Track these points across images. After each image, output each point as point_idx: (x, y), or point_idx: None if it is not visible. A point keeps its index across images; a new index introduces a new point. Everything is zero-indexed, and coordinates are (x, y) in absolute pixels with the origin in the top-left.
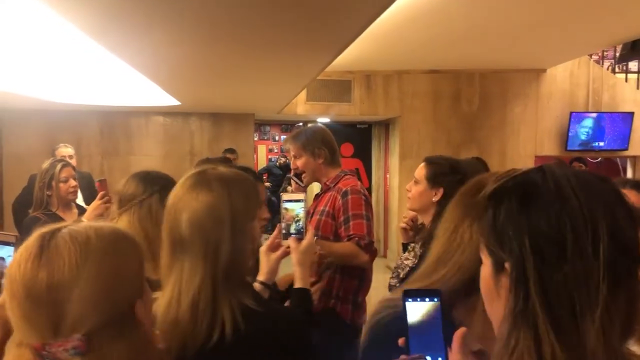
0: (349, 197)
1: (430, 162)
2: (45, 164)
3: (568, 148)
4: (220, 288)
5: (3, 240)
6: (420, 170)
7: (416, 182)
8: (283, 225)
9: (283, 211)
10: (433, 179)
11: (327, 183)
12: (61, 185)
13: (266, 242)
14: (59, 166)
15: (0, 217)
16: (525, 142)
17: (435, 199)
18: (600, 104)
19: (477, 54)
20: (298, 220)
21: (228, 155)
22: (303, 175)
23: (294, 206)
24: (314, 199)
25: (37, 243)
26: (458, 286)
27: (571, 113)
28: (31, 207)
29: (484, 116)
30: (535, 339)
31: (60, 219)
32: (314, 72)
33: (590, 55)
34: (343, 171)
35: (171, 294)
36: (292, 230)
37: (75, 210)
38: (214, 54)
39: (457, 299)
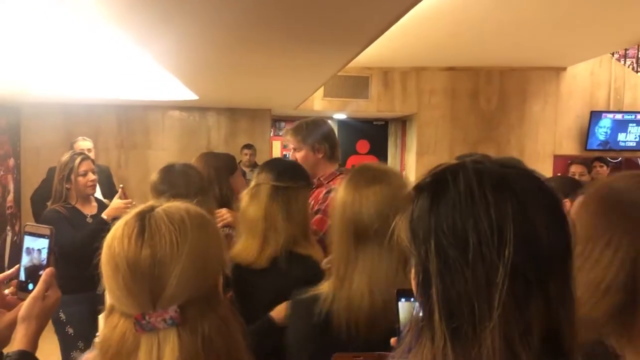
0: (331, 194)
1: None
2: (65, 157)
3: (588, 147)
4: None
5: (39, 233)
6: None
7: None
8: None
9: None
10: None
11: (321, 179)
12: (80, 178)
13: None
14: (78, 159)
15: (18, 210)
16: (544, 141)
17: None
18: (621, 104)
19: (496, 52)
20: None
21: (246, 151)
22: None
23: None
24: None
25: (137, 222)
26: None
27: (591, 112)
28: (50, 200)
29: (503, 114)
30: (433, 351)
31: (80, 213)
32: (336, 67)
33: (612, 54)
34: (339, 169)
35: (359, 284)
36: None
37: (95, 204)
38: (237, 49)
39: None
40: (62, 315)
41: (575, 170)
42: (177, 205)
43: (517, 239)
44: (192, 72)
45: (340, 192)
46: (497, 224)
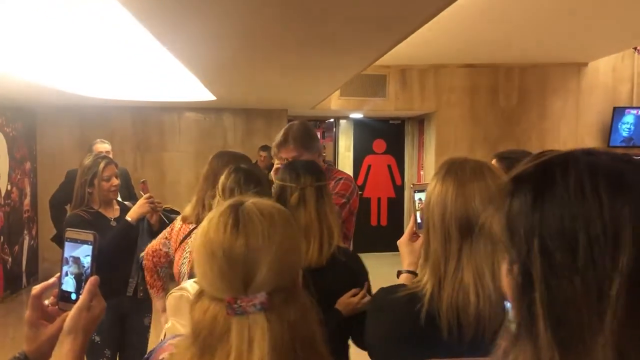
0: (342, 181)
1: (502, 157)
2: (88, 161)
3: (610, 144)
4: None
5: (81, 239)
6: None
7: None
8: (418, 215)
9: (417, 202)
10: None
11: None
12: (104, 183)
13: (405, 234)
14: (102, 164)
15: (35, 214)
16: (566, 138)
17: None
18: None
19: (516, 48)
20: None
21: (262, 153)
22: None
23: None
24: None
25: (232, 212)
26: None
27: (614, 108)
28: (69, 204)
29: (523, 111)
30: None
31: (104, 217)
32: (359, 68)
33: (635, 48)
34: (328, 162)
35: (463, 283)
36: None
37: (117, 207)
38: (260, 48)
39: None
40: None
41: None
42: (264, 201)
43: (636, 245)
44: (213, 72)
45: (437, 188)
46: (612, 226)
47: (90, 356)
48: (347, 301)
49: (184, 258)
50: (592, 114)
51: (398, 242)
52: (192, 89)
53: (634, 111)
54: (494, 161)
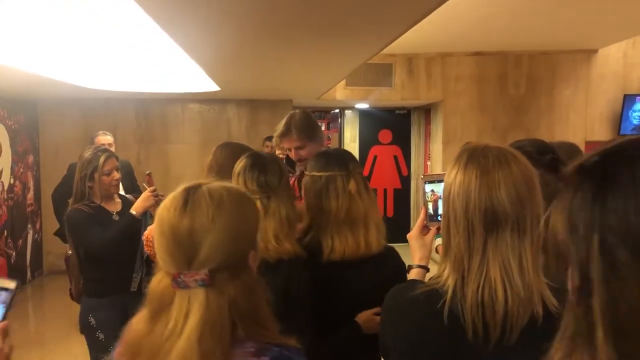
0: None
1: (514, 147)
2: (87, 154)
3: (621, 132)
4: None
5: (2, 286)
6: None
7: None
8: (430, 207)
9: (429, 193)
10: None
11: None
12: (104, 177)
13: (415, 227)
14: (102, 157)
15: (39, 207)
16: (575, 127)
17: None
18: None
19: (524, 35)
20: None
21: (267, 143)
22: (300, 163)
23: (438, 187)
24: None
25: (183, 195)
26: None
27: (625, 96)
28: (71, 198)
29: (532, 100)
30: None
31: (106, 211)
32: (366, 55)
33: None
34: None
35: (489, 279)
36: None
37: (118, 200)
38: (265, 37)
39: None
40: (92, 320)
41: None
42: (221, 184)
43: None
44: (217, 62)
45: (459, 178)
46: None
47: (94, 354)
48: (371, 317)
49: None
50: (602, 102)
51: (408, 235)
52: (196, 80)
53: None
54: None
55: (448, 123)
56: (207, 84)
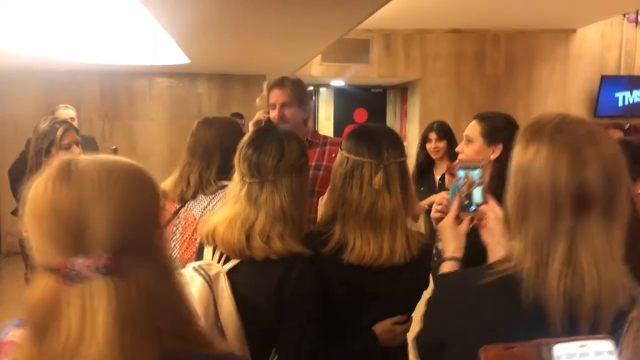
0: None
1: (483, 117)
2: (43, 125)
3: (597, 114)
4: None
5: None
6: (474, 128)
7: (469, 141)
8: (463, 195)
9: (462, 180)
10: (490, 136)
11: (309, 139)
12: (62, 152)
13: (448, 216)
14: (60, 130)
15: None
16: (553, 107)
17: (493, 156)
18: (633, 67)
19: (503, 13)
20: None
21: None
22: (282, 126)
23: (473, 173)
24: None
25: (60, 167)
26: None
27: (602, 76)
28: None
29: (510, 80)
30: None
31: None
32: (343, 30)
33: (624, 15)
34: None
35: (580, 264)
36: (476, 200)
37: None
38: (241, 3)
39: None
40: None
41: (613, 135)
42: (106, 156)
43: None
44: (189, 30)
45: (544, 152)
46: None
47: None
48: (390, 328)
49: (173, 241)
50: (580, 83)
51: (440, 225)
52: (165, 52)
53: (626, 78)
54: (474, 122)
55: (425, 102)
56: (176, 57)
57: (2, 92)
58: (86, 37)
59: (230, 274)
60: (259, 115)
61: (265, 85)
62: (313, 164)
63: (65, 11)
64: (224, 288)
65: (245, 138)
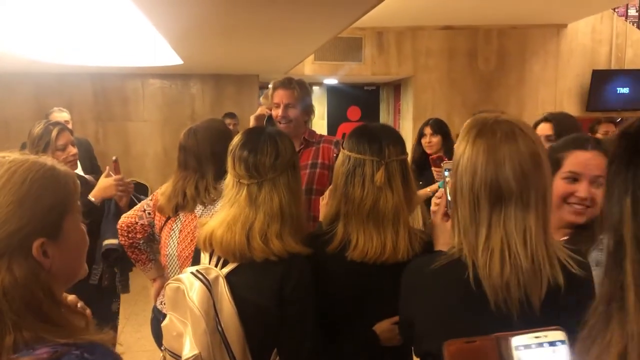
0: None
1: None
2: (38, 128)
3: (589, 108)
4: (548, 236)
5: None
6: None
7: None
8: (449, 193)
9: (448, 179)
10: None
11: (306, 137)
12: (58, 153)
13: (438, 211)
14: (55, 131)
15: None
16: (544, 102)
17: None
18: (623, 61)
19: (495, 8)
20: None
21: (228, 120)
22: (282, 125)
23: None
24: None
25: None
26: None
27: (593, 71)
28: None
29: (502, 75)
30: (624, 341)
31: None
32: (336, 29)
33: (614, 9)
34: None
35: (500, 246)
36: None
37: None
38: (233, 5)
39: None
40: None
41: (607, 129)
42: (16, 156)
43: None
44: (182, 31)
45: (467, 152)
46: None
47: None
48: (390, 327)
49: (171, 238)
50: (571, 77)
51: (432, 220)
52: (157, 53)
53: (616, 72)
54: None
55: (418, 99)
56: (169, 58)
57: None
58: (78, 39)
59: (228, 277)
60: (262, 110)
61: (271, 85)
62: (310, 162)
63: (57, 13)
64: (224, 291)
65: (236, 141)
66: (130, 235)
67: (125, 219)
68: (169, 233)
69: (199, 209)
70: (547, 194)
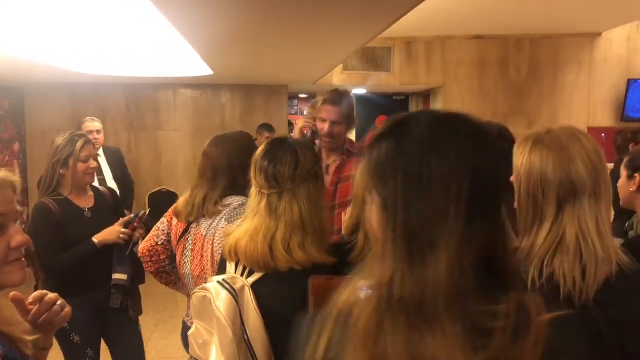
0: None
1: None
2: (62, 138)
3: (624, 118)
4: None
5: None
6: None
7: None
8: None
9: None
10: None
11: (348, 148)
12: (80, 164)
13: None
14: (80, 142)
15: (26, 197)
16: (578, 112)
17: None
18: None
19: (526, 18)
20: None
21: (267, 134)
22: (325, 140)
23: None
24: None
25: None
26: None
27: (629, 80)
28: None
29: (534, 85)
30: (393, 268)
31: (75, 207)
32: (365, 39)
33: None
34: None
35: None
36: None
37: (91, 194)
38: (262, 17)
39: None
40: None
41: None
42: None
43: (471, 173)
44: (212, 43)
45: (530, 159)
46: (457, 162)
47: (70, 357)
48: None
49: (185, 257)
50: (606, 87)
51: None
52: (188, 64)
53: None
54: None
55: (448, 109)
56: (200, 68)
57: (29, 106)
58: (112, 50)
59: (254, 286)
60: (304, 122)
61: (318, 98)
62: (351, 174)
63: (92, 24)
64: (250, 301)
65: (259, 151)
66: (154, 259)
67: (145, 244)
68: (182, 251)
69: (203, 226)
70: (610, 185)
